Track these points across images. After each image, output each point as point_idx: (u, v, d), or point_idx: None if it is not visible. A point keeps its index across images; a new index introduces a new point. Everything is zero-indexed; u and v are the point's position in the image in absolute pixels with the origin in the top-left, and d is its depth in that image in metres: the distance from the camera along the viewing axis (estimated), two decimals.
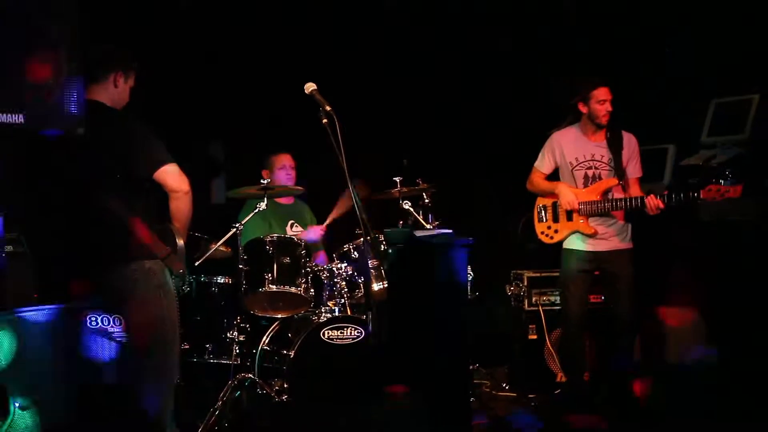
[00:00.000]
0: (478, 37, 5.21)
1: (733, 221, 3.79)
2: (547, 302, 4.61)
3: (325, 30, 4.92)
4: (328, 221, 4.39)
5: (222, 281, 3.90)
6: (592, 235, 3.88)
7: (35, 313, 2.57)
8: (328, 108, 2.76)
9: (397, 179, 4.22)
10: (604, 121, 3.87)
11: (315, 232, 4.40)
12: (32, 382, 2.50)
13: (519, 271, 4.71)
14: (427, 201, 4.28)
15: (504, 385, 4.71)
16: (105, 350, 2.67)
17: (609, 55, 4.87)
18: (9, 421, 2.40)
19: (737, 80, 4.24)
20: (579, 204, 3.87)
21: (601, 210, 3.85)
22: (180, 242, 2.99)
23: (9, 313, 2.53)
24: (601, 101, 3.84)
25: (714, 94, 4.31)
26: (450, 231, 3.31)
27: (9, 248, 3.06)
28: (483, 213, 5.29)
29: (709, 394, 3.72)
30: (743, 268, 3.88)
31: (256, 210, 3.82)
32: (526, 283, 4.63)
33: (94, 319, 2.68)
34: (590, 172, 3.92)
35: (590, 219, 3.89)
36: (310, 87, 2.85)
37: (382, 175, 4.30)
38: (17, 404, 2.43)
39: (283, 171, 4.36)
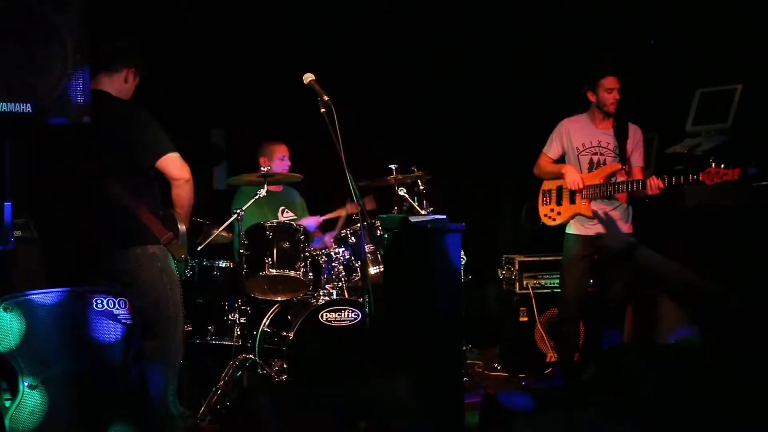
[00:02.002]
0: (473, 29, 5.28)
1: (716, 207, 3.90)
2: (538, 285, 4.71)
3: (325, 19, 4.96)
4: (326, 216, 4.47)
5: (223, 265, 3.96)
6: (594, 218, 3.95)
7: (43, 296, 2.64)
8: (326, 98, 2.83)
9: (392, 166, 4.28)
10: (611, 109, 3.94)
11: (313, 221, 4.50)
12: (40, 362, 2.57)
13: (510, 256, 4.79)
14: (422, 188, 4.34)
15: (496, 365, 4.82)
16: (111, 332, 2.74)
17: (598, 44, 4.95)
18: (18, 399, 2.48)
19: (721, 70, 4.34)
20: (583, 187, 3.96)
21: (603, 193, 3.92)
22: (182, 228, 3.04)
23: (18, 296, 2.60)
24: (608, 89, 3.91)
25: (699, 84, 4.41)
26: (444, 217, 3.40)
27: (17, 233, 3.11)
28: (476, 199, 5.38)
29: (693, 373, 3.83)
30: (725, 252, 3.98)
31: (257, 197, 3.89)
32: (517, 267, 4.72)
33: (100, 301, 2.73)
34: (595, 158, 4.00)
35: (592, 202, 3.97)
36: (308, 77, 2.92)
37: (380, 162, 4.36)
38: (26, 383, 2.50)
39: (282, 160, 4.44)
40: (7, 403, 2.47)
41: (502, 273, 4.87)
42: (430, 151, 5.06)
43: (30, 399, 2.50)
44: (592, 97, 3.99)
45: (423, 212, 4.24)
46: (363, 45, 5.10)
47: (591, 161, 4.01)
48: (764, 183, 3.79)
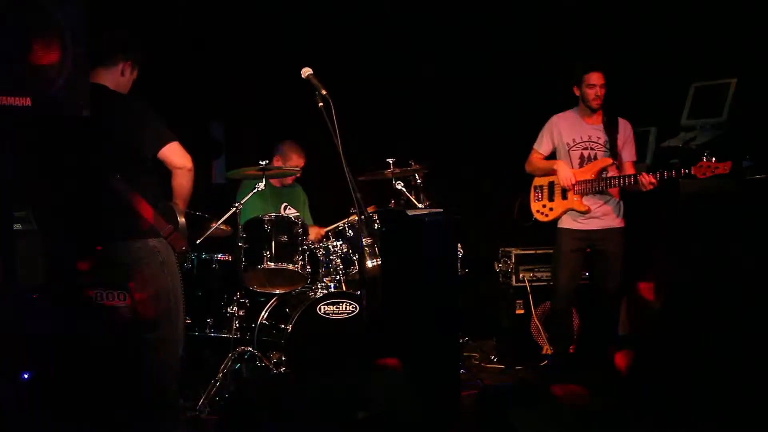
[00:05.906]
0: (471, 23, 5.30)
1: (711, 200, 3.92)
2: (534, 278, 4.75)
3: (323, 13, 4.96)
4: (328, 228, 4.45)
5: (222, 258, 3.98)
6: (586, 213, 3.99)
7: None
8: (323, 92, 2.84)
9: (390, 160, 4.29)
10: (594, 105, 3.97)
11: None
12: (41, 353, 2.59)
13: (507, 249, 4.83)
14: (419, 181, 4.36)
15: (492, 358, 4.85)
16: (111, 324, 2.76)
17: (594, 39, 4.97)
18: (19, 391, 2.50)
19: (716, 65, 4.37)
20: (576, 183, 3.98)
21: (595, 188, 3.95)
22: (182, 220, 3.04)
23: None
24: (590, 85, 3.94)
25: (694, 78, 4.43)
26: (441, 210, 3.42)
27: (18, 226, 3.13)
28: (473, 193, 5.40)
29: (688, 365, 3.86)
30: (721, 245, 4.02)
31: (255, 190, 3.91)
32: (513, 260, 4.77)
33: (100, 294, 2.75)
34: (586, 153, 4.02)
35: (584, 197, 4.00)
36: (306, 71, 2.92)
37: (378, 156, 4.38)
38: (26, 376, 2.53)
39: (296, 167, 4.45)
40: None
41: (498, 266, 4.91)
42: (426, 145, 5.08)
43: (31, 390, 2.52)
44: (577, 91, 4.03)
45: (420, 206, 4.26)
46: (361, 39, 5.11)
47: (582, 156, 4.03)
48: (758, 176, 3.82)
